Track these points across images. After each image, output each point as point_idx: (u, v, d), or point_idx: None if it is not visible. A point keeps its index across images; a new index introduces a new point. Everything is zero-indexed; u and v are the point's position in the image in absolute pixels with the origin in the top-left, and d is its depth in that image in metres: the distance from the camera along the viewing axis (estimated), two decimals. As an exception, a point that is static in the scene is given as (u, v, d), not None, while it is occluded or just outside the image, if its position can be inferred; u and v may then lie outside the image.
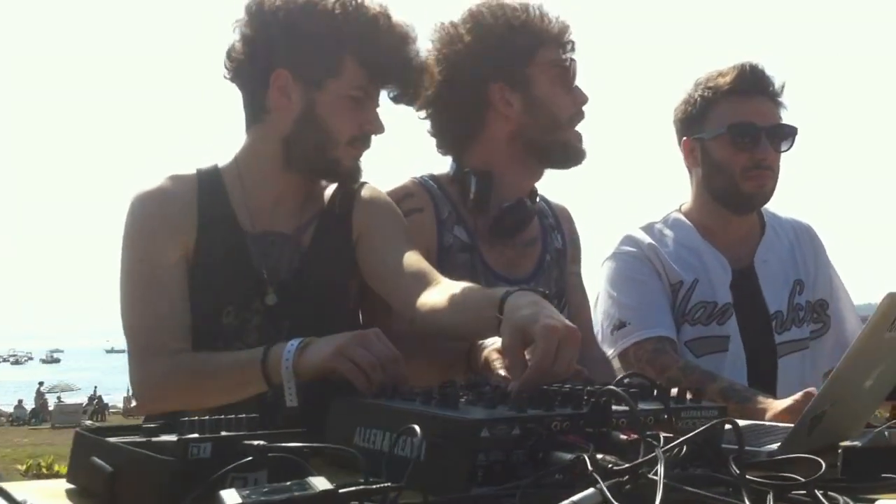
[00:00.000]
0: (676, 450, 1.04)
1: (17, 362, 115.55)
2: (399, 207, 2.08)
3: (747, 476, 1.03)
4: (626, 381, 1.37)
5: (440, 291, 1.73)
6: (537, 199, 2.32)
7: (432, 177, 2.25)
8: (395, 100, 2.00)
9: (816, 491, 1.02)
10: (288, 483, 0.87)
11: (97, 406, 35.75)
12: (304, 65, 1.88)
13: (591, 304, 2.46)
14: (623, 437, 1.12)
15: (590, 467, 0.98)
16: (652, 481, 0.97)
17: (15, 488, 1.01)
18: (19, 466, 16.32)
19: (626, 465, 0.98)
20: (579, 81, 2.22)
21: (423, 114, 2.24)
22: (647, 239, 2.48)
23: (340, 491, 0.87)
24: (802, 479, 1.05)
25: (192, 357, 1.83)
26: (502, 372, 1.51)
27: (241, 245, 1.92)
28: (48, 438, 23.63)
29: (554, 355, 1.32)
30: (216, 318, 1.88)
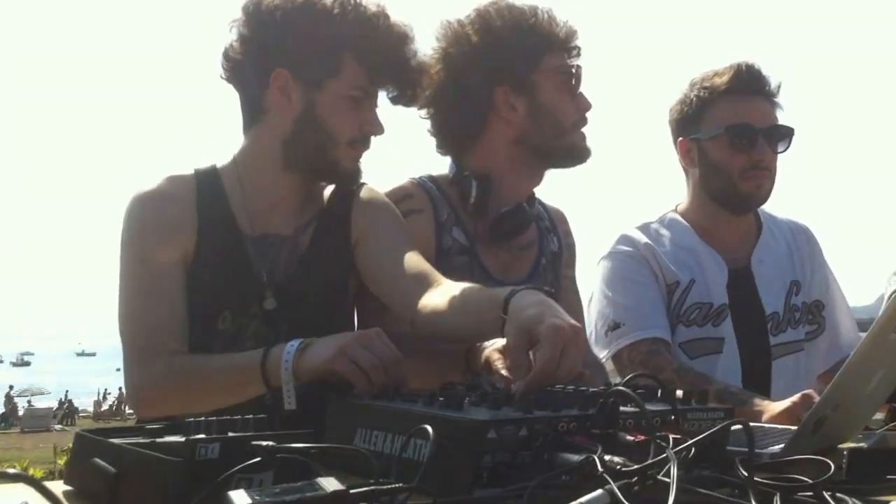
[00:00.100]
0: (687, 451, 1.04)
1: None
2: (398, 208, 2.08)
3: (755, 478, 1.04)
4: (632, 382, 1.38)
5: (441, 293, 1.73)
6: (535, 203, 2.32)
7: (431, 178, 2.25)
8: (394, 101, 2.00)
9: (825, 493, 1.03)
10: (298, 484, 0.88)
11: (67, 410, 35.49)
12: (303, 64, 1.88)
13: (585, 304, 2.46)
14: (630, 438, 1.13)
15: (599, 468, 0.99)
16: (661, 482, 0.98)
17: (8, 490, 1.00)
18: (-11, 471, 16.14)
19: (637, 467, 0.99)
20: (591, 85, 2.24)
21: (423, 113, 2.24)
22: (643, 239, 2.50)
23: (351, 491, 0.87)
24: (810, 481, 1.06)
25: (190, 358, 1.83)
26: (503, 372, 1.51)
27: (241, 247, 1.92)
28: (17, 443, 23.45)
29: (560, 356, 1.33)
30: (213, 322, 1.88)
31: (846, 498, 1.02)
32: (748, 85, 2.45)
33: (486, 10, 2.18)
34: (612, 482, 0.94)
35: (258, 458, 0.95)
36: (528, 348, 1.39)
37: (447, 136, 2.26)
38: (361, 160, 1.99)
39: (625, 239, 2.51)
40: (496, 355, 1.58)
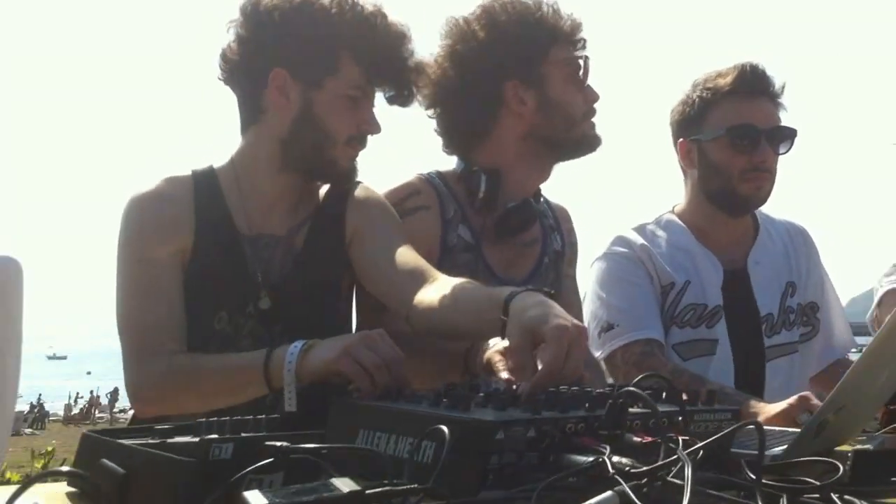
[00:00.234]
0: (697, 453, 1.06)
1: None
2: (405, 204, 2.11)
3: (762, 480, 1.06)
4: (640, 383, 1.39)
5: (437, 289, 1.75)
6: (541, 199, 2.35)
7: (439, 174, 2.27)
8: (391, 100, 2.03)
9: (833, 495, 1.05)
10: (313, 484, 0.88)
11: (38, 414, 35.19)
12: (302, 64, 1.91)
13: (579, 305, 2.48)
14: (637, 439, 1.14)
15: (610, 470, 1.00)
16: (670, 484, 0.99)
17: (9, 491, 1.01)
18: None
19: (647, 468, 1.00)
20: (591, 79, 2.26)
21: (430, 112, 2.26)
22: (639, 240, 2.51)
23: (367, 492, 0.88)
24: (817, 483, 1.08)
25: (191, 358, 1.84)
26: (505, 374, 1.52)
27: (237, 247, 1.94)
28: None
29: (565, 356, 1.34)
30: (209, 322, 1.90)
31: (855, 500, 1.03)
32: (752, 85, 2.46)
33: (492, 5, 2.20)
34: (624, 483, 0.96)
35: (272, 459, 0.96)
36: (532, 349, 1.40)
37: (455, 134, 2.28)
38: (357, 159, 2.01)
39: (621, 240, 2.53)
40: (497, 357, 1.59)
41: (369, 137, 1.98)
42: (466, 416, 1.14)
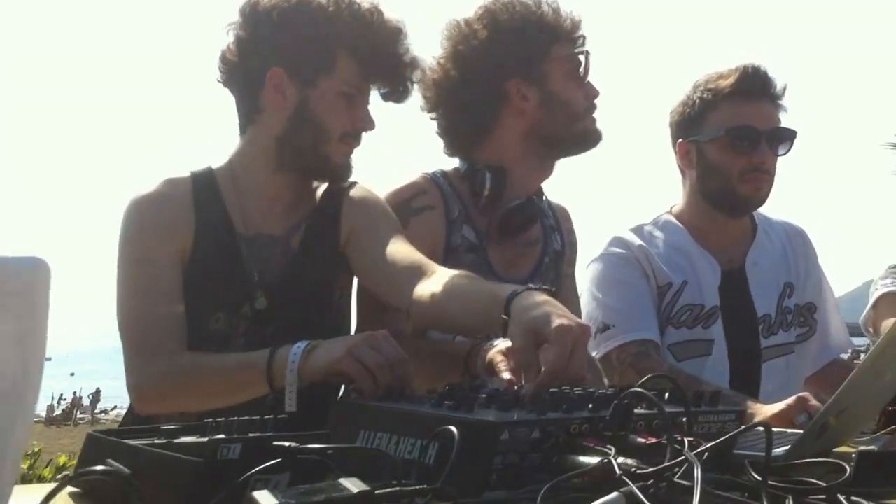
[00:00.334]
0: (704, 454, 1.06)
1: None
2: (411, 204, 2.13)
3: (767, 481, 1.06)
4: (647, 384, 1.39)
5: (436, 281, 1.76)
6: (543, 197, 2.36)
7: (443, 173, 2.29)
8: (386, 97, 2.05)
9: (840, 496, 1.05)
10: (322, 485, 0.89)
11: (20, 415, 34.95)
12: (298, 63, 1.93)
13: (575, 306, 2.49)
14: (640, 440, 1.14)
15: (618, 471, 1.01)
16: (677, 485, 1.00)
17: (24, 492, 1.01)
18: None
19: (653, 469, 1.01)
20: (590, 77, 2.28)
21: (433, 115, 2.28)
22: (636, 241, 2.52)
23: (377, 492, 0.88)
24: (823, 484, 1.08)
25: (193, 356, 1.86)
26: (506, 375, 1.53)
27: (235, 248, 1.96)
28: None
29: (569, 357, 1.35)
30: (205, 322, 1.92)
31: (862, 500, 1.05)
32: (753, 87, 2.48)
33: (493, 5, 2.23)
34: (632, 484, 0.96)
35: (280, 459, 0.96)
36: (535, 349, 1.41)
37: (457, 134, 2.30)
38: (352, 156, 2.03)
39: (618, 241, 2.54)
40: (499, 357, 1.59)
41: (364, 134, 2.01)
42: (471, 416, 1.14)
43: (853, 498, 1.05)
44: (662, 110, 2.64)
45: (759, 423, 1.17)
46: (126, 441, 1.08)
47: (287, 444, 0.99)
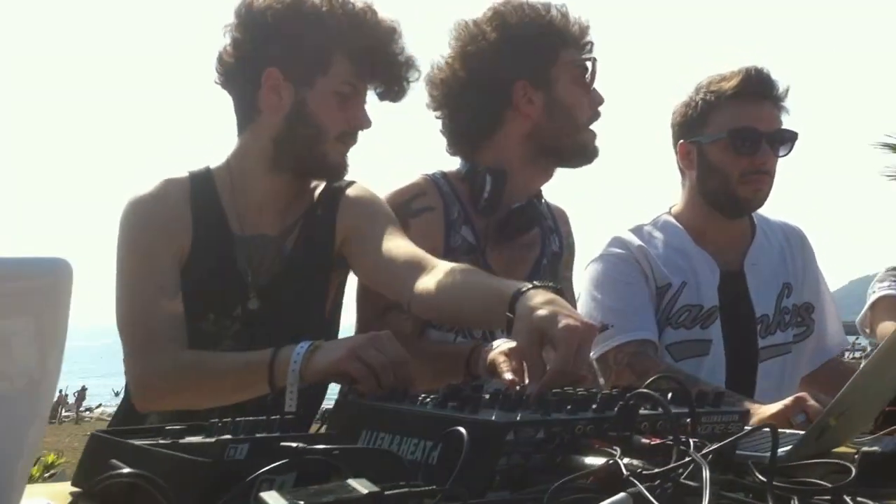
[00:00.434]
0: (709, 455, 1.06)
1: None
2: (411, 205, 2.13)
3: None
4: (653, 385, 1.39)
5: (438, 275, 1.77)
6: (542, 200, 2.36)
7: (444, 174, 2.29)
8: (381, 96, 2.06)
9: (846, 497, 1.06)
10: (330, 485, 0.89)
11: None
12: (294, 63, 1.94)
13: (572, 307, 2.49)
14: (644, 441, 1.15)
15: (625, 471, 1.01)
16: (683, 485, 1.00)
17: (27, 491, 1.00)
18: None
19: (660, 470, 1.01)
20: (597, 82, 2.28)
21: (438, 114, 2.29)
22: (636, 241, 2.53)
23: (386, 493, 0.88)
24: (828, 485, 1.09)
25: (196, 354, 1.86)
26: (509, 375, 1.53)
27: (230, 248, 1.97)
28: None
29: (574, 357, 1.35)
30: (196, 323, 1.92)
31: (867, 501, 1.05)
32: (755, 89, 2.48)
33: (502, 8, 2.23)
34: (640, 485, 0.96)
35: (287, 459, 0.96)
36: (540, 349, 1.41)
37: (461, 135, 2.30)
38: (349, 155, 2.03)
39: (617, 241, 2.54)
40: (502, 358, 1.60)
41: (360, 133, 2.02)
42: (476, 417, 1.13)
43: (859, 498, 1.05)
44: (662, 111, 2.64)
45: (766, 425, 1.17)
46: (131, 441, 1.08)
47: (295, 444, 0.99)
